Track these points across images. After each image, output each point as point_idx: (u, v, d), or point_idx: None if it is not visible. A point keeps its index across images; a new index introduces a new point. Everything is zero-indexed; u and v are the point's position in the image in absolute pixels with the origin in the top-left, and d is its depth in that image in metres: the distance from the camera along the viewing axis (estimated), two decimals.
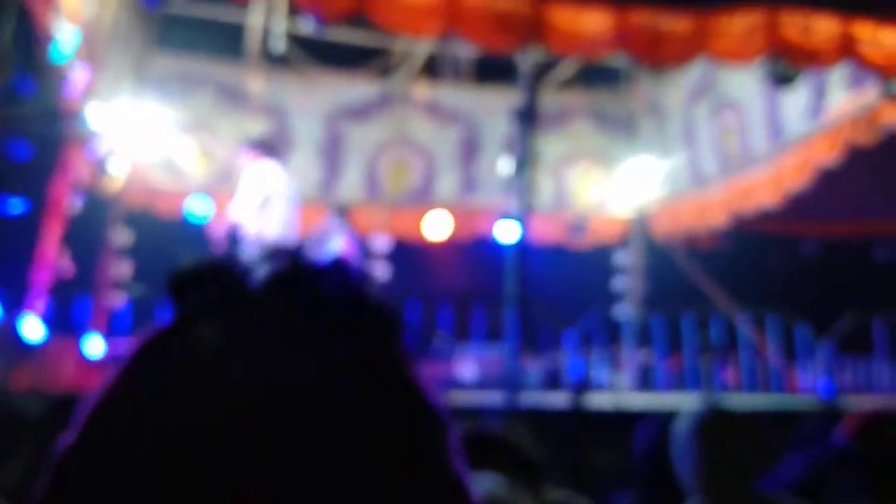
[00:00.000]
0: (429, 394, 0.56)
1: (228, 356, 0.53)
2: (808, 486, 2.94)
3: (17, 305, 5.80)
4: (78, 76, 6.18)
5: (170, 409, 0.51)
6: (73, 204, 6.68)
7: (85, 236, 7.07)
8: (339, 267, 0.59)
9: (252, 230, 6.51)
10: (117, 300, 7.51)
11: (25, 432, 2.91)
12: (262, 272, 0.57)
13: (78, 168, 6.77)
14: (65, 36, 5.76)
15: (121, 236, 7.71)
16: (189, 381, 0.52)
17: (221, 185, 8.44)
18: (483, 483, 1.65)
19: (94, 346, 6.77)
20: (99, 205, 7.40)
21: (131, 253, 7.75)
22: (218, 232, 7.13)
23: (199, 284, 0.58)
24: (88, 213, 6.98)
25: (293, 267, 0.58)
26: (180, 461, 0.49)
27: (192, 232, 8.26)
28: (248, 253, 0.61)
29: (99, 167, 7.20)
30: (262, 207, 6.41)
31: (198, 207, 8.28)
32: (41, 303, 6.24)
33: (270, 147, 6.89)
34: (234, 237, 6.68)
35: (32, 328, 5.84)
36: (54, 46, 5.66)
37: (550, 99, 8.84)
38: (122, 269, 7.67)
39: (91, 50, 6.35)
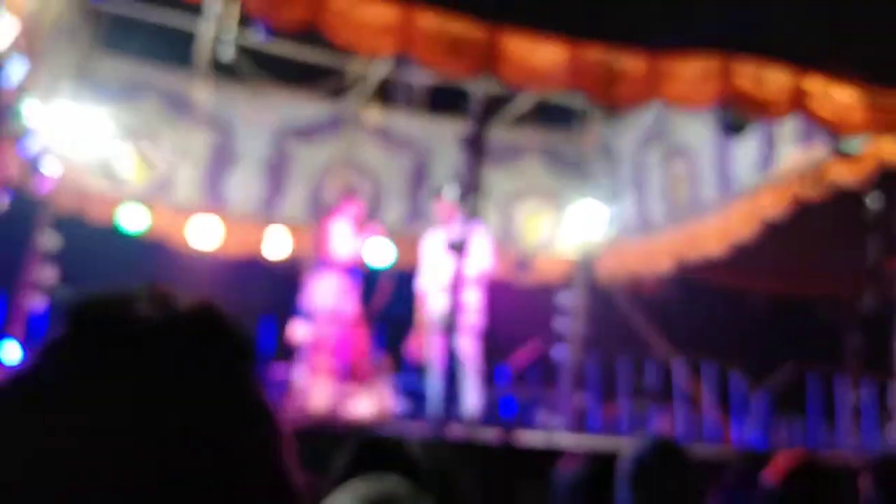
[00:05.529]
0: (270, 408, 0.67)
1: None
2: None
3: None
4: (14, 69, 6.04)
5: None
6: None
7: (9, 236, 6.90)
8: (206, 307, 0.67)
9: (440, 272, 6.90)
10: (37, 303, 7.28)
11: None
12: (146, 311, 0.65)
13: (8, 165, 6.61)
14: (2, 26, 5.63)
15: (48, 240, 7.50)
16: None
17: (159, 195, 8.31)
18: (388, 482, 1.68)
19: (11, 351, 6.57)
20: (27, 205, 7.22)
21: (58, 258, 7.53)
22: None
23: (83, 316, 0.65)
24: (15, 213, 6.79)
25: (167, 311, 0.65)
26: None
27: (123, 241, 8.10)
28: None
29: (31, 165, 7.04)
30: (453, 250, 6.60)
31: (132, 217, 8.13)
32: None
33: None
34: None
35: None
36: None
37: (503, 134, 8.89)
38: (47, 273, 7.44)
39: (31, 43, 6.22)
